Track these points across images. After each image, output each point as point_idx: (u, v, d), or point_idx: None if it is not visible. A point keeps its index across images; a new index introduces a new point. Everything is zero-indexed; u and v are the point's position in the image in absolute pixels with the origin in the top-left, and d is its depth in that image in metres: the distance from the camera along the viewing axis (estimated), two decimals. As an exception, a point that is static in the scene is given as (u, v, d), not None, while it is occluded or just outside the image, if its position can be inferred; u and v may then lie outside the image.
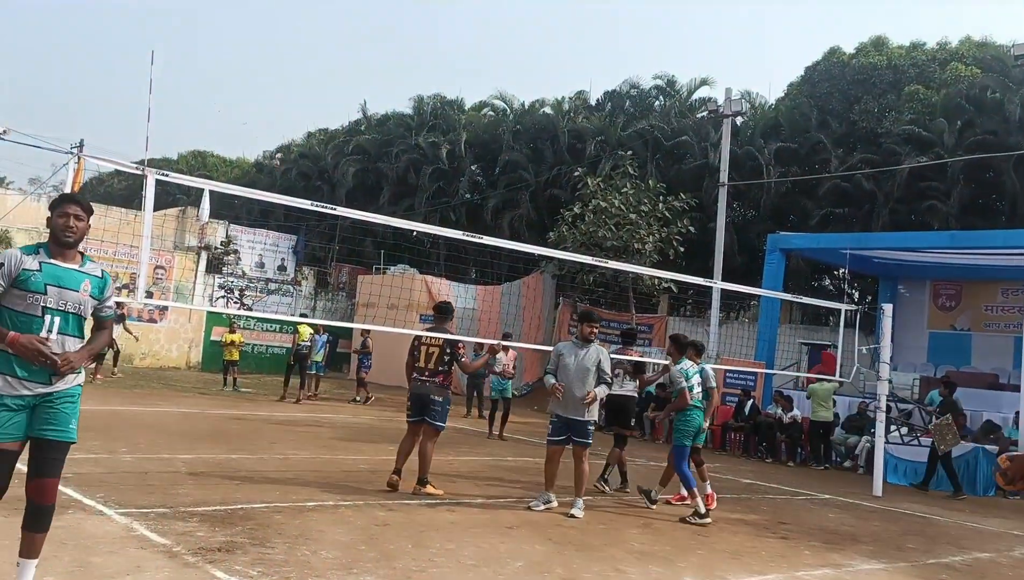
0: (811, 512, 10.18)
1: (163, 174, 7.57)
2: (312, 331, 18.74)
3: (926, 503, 12.04)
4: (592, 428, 8.40)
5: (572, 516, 7.98)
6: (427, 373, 8.62)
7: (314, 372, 19.33)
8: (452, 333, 8.94)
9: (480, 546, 6.48)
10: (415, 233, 29.49)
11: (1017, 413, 14.79)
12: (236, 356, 20.37)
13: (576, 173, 25.82)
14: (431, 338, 8.74)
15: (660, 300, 26.28)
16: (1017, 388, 15.35)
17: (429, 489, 8.46)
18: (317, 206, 8.74)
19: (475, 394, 19.49)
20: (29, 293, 4.13)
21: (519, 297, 25.85)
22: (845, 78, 27.77)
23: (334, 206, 9.26)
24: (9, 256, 4.18)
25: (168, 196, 34.51)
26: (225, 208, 32.20)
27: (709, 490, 9.37)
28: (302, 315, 24.71)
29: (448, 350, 8.62)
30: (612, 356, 9.41)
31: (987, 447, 14.05)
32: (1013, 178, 22.26)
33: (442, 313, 8.97)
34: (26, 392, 4.13)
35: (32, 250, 4.29)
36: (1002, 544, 9.05)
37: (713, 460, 14.95)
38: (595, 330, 8.50)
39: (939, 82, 26.46)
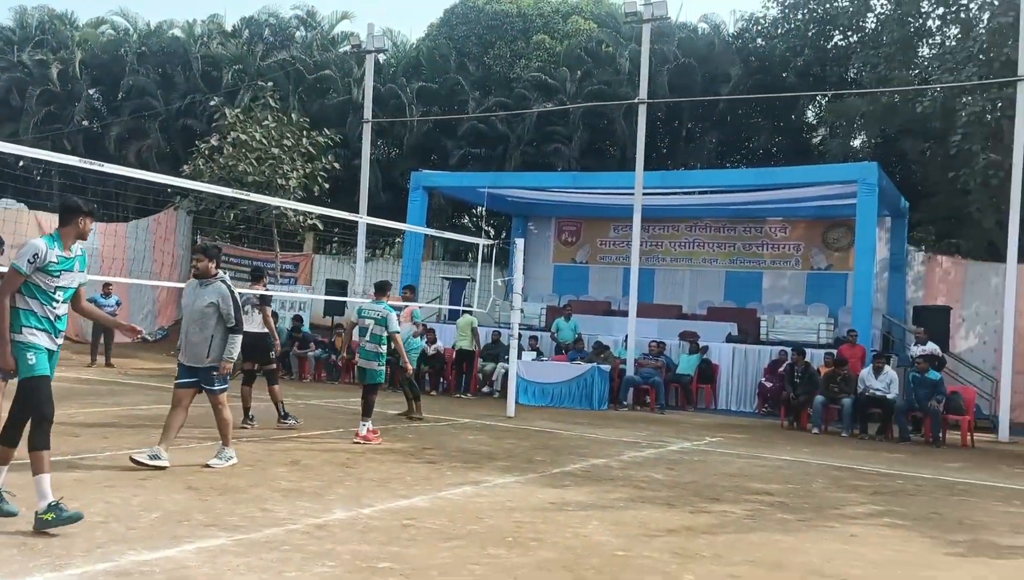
0: (453, 436, 10.74)
1: None
2: None
3: (553, 419, 13.27)
4: (216, 373, 7.56)
5: (207, 466, 7.42)
6: None
7: None
8: None
9: (110, 502, 5.93)
10: (21, 161, 26.01)
11: (626, 335, 16.81)
12: None
13: (213, 103, 24.26)
14: None
15: (306, 237, 25.84)
16: (625, 313, 17.43)
17: None
18: None
19: (102, 340, 17.87)
20: None
21: (149, 235, 23.93)
22: (480, 23, 29.00)
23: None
24: None
25: None
26: None
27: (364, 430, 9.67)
28: None
29: None
30: (243, 291, 8.90)
31: (601, 366, 15.81)
32: (623, 126, 24.85)
33: None
34: None
35: None
36: (613, 450, 10.26)
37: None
38: (199, 264, 7.66)
39: (562, 33, 28.67)
